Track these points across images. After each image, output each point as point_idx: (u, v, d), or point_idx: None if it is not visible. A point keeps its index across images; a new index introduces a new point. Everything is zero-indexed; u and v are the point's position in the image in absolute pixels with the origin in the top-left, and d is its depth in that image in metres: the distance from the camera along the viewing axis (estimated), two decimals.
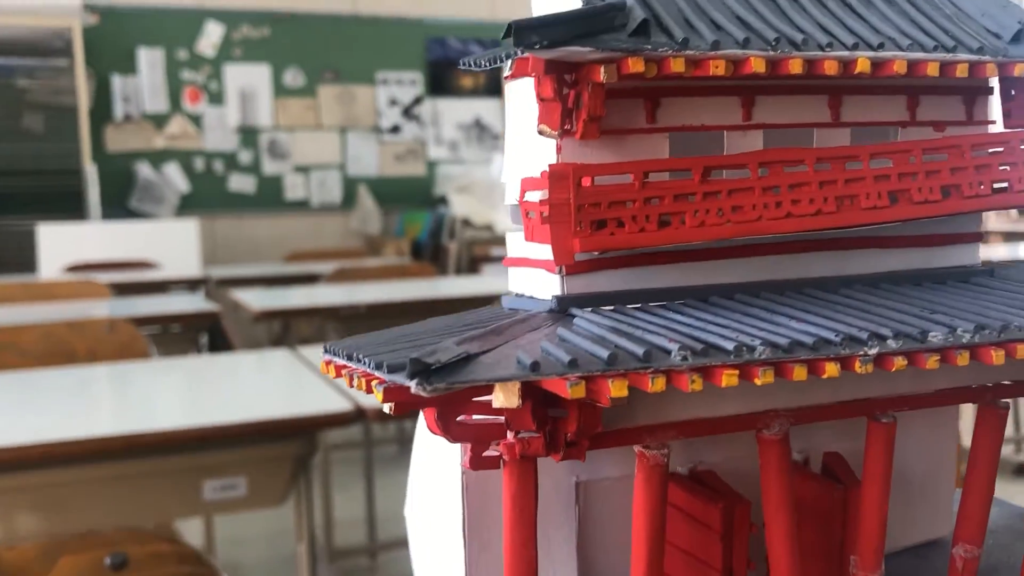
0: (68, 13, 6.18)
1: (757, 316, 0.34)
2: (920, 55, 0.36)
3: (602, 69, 0.32)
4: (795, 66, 0.34)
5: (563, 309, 0.36)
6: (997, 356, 0.33)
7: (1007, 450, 4.27)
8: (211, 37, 6.68)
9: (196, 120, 6.83)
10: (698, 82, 0.37)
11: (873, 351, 0.32)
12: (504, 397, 0.29)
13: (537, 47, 0.30)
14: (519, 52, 0.31)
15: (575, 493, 0.42)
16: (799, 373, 0.31)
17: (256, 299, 3.32)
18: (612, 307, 0.37)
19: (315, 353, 2.10)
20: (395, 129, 7.46)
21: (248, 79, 6.88)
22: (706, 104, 0.38)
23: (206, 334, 3.79)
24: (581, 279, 0.37)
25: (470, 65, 0.36)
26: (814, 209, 0.37)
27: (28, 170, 6.42)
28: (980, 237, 0.44)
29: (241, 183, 7.09)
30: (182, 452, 1.51)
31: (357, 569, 2.61)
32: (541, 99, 0.33)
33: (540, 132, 0.34)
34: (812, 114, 0.40)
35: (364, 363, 0.30)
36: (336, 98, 7.07)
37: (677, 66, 0.33)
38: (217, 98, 6.79)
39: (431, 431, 0.33)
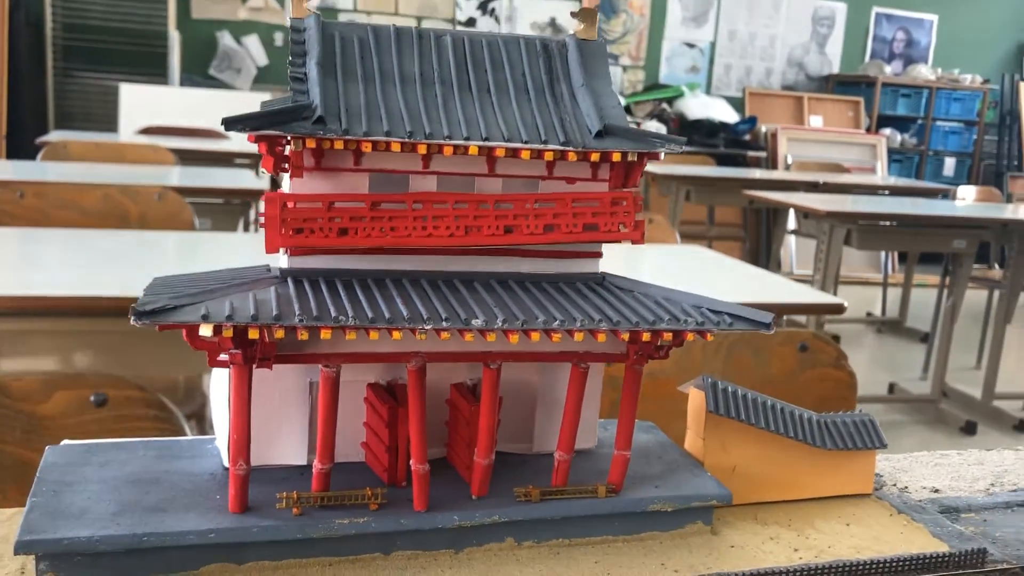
0: None
1: (383, 296, 0.57)
2: (518, 145, 0.57)
3: (293, 142, 0.54)
4: (422, 149, 0.56)
5: (283, 277, 0.59)
6: (513, 339, 0.55)
7: (1013, 405, 4.41)
8: None
9: None
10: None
11: (428, 327, 0.54)
12: (204, 330, 0.53)
13: (241, 130, 0.52)
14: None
15: (308, 390, 0.65)
16: (350, 335, 0.53)
17: None
18: (313, 279, 0.59)
19: None
20: (470, 22, 7.57)
21: None
22: (397, 156, 0.60)
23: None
24: (299, 259, 0.60)
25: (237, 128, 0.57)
26: (448, 233, 0.59)
27: (117, 28, 6.70)
28: (600, 255, 0.65)
29: None
30: None
31: None
32: (261, 153, 0.55)
33: (263, 171, 0.56)
34: (474, 167, 0.62)
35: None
36: None
37: (338, 144, 0.55)
38: None
39: (187, 342, 0.57)
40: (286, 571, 0.60)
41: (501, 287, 0.62)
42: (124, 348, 1.92)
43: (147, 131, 5.43)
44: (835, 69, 8.26)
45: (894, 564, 0.65)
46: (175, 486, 0.63)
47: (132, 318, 0.50)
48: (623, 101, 7.46)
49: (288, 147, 0.56)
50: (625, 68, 7.82)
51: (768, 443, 0.73)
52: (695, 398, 0.73)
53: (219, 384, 0.66)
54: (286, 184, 0.59)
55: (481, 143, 0.57)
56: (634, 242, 0.62)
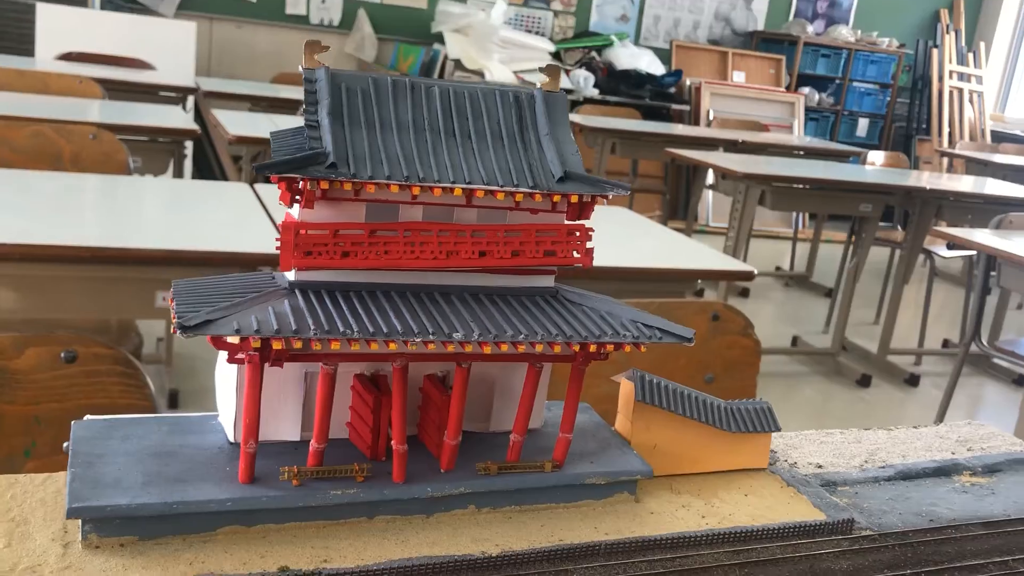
0: None
1: (378, 309, 0.69)
2: (495, 188, 0.69)
3: (308, 183, 0.65)
4: (416, 190, 0.67)
5: (292, 289, 0.70)
6: (486, 348, 0.68)
7: (905, 360, 4.73)
8: None
9: None
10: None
11: (418, 339, 0.66)
12: (231, 339, 0.64)
13: (268, 173, 0.63)
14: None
15: (304, 379, 0.77)
16: (356, 346, 0.65)
17: (234, 122, 3.58)
18: (317, 291, 0.70)
19: (271, 190, 2.43)
20: None
21: None
22: (388, 190, 0.71)
23: (187, 147, 4.01)
24: (306, 273, 0.71)
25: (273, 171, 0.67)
26: (432, 256, 0.71)
27: None
28: (554, 272, 0.78)
29: None
30: (139, 265, 1.88)
31: None
32: (280, 189, 0.66)
33: (280, 203, 0.67)
34: (454, 200, 0.73)
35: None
36: None
37: (347, 185, 0.65)
38: None
39: (211, 344, 0.68)
40: (288, 532, 0.72)
41: (474, 300, 0.74)
42: (57, 292, 1.97)
43: (67, 57, 5.28)
44: (760, 26, 8.44)
45: (780, 531, 0.80)
46: (190, 459, 0.74)
47: (178, 332, 0.61)
48: (553, 48, 7.52)
49: (302, 184, 0.66)
50: (556, 13, 7.86)
51: (683, 426, 0.87)
52: (625, 388, 0.87)
53: (225, 371, 0.77)
54: (295, 211, 0.70)
55: (464, 186, 0.68)
56: (584, 266, 0.75)
